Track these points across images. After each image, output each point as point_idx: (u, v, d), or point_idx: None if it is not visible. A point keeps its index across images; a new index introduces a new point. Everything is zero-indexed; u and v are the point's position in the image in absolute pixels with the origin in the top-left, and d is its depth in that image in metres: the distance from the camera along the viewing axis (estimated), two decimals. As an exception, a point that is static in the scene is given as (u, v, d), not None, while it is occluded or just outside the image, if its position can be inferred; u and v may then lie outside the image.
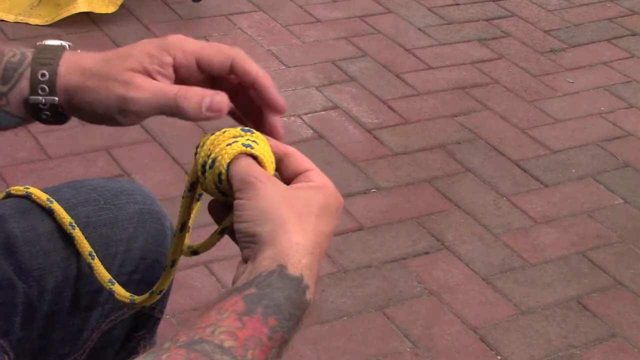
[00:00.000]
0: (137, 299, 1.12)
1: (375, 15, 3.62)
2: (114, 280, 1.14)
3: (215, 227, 0.98)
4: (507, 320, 2.29)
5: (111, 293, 1.15)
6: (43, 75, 0.98)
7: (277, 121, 1.00)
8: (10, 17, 3.30)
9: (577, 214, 2.68)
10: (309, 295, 0.85)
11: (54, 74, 0.98)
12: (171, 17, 3.44)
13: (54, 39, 1.05)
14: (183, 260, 2.50)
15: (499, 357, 2.19)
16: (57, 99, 0.98)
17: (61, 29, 3.24)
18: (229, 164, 0.91)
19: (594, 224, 2.65)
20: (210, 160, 0.92)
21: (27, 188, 1.18)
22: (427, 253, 2.48)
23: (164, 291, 1.10)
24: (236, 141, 0.91)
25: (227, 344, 0.78)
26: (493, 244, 2.53)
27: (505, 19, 3.70)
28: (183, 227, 1.01)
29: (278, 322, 0.82)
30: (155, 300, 1.12)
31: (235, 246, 0.90)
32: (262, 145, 0.93)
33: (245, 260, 0.87)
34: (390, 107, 3.07)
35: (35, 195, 1.17)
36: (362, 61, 3.31)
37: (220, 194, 0.93)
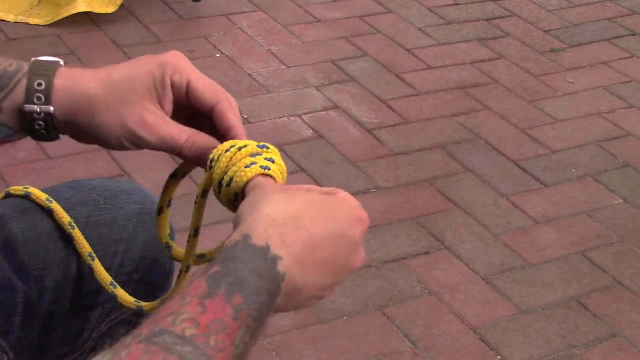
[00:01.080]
0: (146, 305, 1.12)
1: (375, 15, 3.62)
2: (115, 284, 1.14)
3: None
4: (507, 320, 2.29)
5: (112, 293, 1.15)
6: (39, 84, 0.98)
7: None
8: (10, 17, 3.30)
9: (577, 214, 2.68)
10: (282, 267, 0.81)
11: (50, 84, 0.98)
12: (171, 17, 3.45)
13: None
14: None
15: (499, 357, 2.19)
16: (52, 108, 0.98)
17: (61, 29, 3.24)
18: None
19: (594, 224, 2.65)
20: (228, 178, 0.93)
21: (27, 188, 1.18)
22: (427, 253, 2.48)
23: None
24: (254, 162, 0.93)
25: (189, 332, 0.75)
26: (493, 244, 2.53)
27: (505, 19, 3.70)
28: (197, 232, 1.02)
29: (244, 298, 0.78)
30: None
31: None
32: (277, 161, 0.95)
33: None
34: (390, 107, 3.07)
35: (34, 195, 1.17)
36: (362, 61, 3.31)
37: (233, 207, 0.95)
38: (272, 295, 0.81)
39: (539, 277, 2.44)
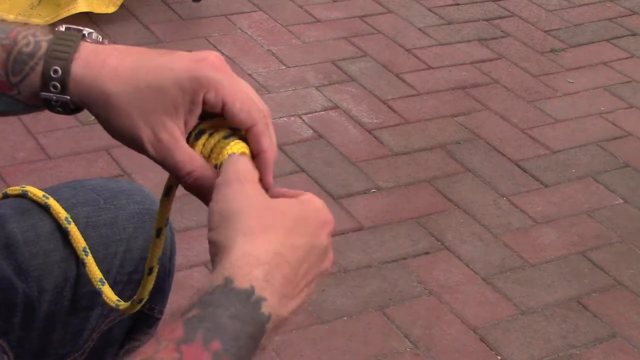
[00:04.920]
0: (122, 305, 1.11)
1: (375, 15, 3.62)
2: (104, 281, 1.14)
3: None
4: (507, 320, 2.29)
5: (98, 289, 1.15)
6: (55, 71, 0.92)
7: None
8: (10, 17, 3.30)
9: (577, 214, 2.68)
10: (266, 308, 0.79)
11: (66, 72, 0.91)
12: (171, 17, 3.44)
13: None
14: (183, 260, 2.49)
15: (499, 357, 2.19)
16: (68, 97, 0.93)
17: (61, 29, 3.23)
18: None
19: (594, 224, 2.65)
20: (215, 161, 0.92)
21: (23, 187, 1.18)
22: (427, 253, 2.48)
23: (145, 300, 1.08)
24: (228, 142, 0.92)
25: None
26: (493, 244, 2.53)
27: (505, 19, 3.70)
28: (159, 232, 1.00)
29: (223, 344, 0.75)
30: (137, 309, 1.10)
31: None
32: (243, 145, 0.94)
33: None
34: (390, 107, 3.07)
35: (31, 193, 1.17)
36: (362, 61, 3.31)
37: None
38: (254, 337, 0.78)
39: (539, 277, 2.44)
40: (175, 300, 2.43)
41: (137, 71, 0.91)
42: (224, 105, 0.92)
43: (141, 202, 1.24)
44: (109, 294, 1.13)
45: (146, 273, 1.04)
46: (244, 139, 0.93)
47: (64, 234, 1.16)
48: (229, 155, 0.90)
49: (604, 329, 2.30)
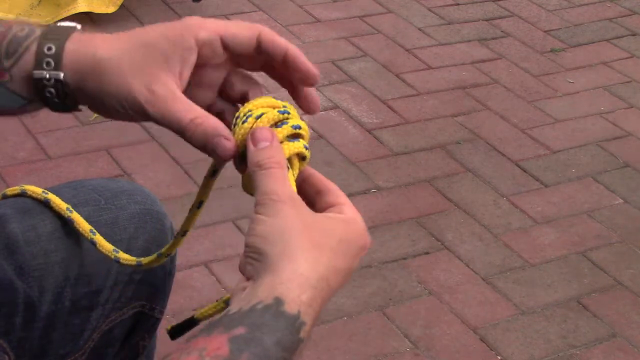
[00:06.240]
0: (144, 260, 1.11)
1: (375, 15, 3.62)
2: (117, 250, 1.14)
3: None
4: (507, 320, 2.29)
5: (111, 292, 1.15)
6: (49, 48, 0.92)
7: (312, 92, 0.99)
8: (11, 17, 3.30)
9: (577, 214, 2.68)
10: (303, 333, 0.79)
11: (60, 48, 0.91)
12: (171, 17, 3.44)
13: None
14: (183, 260, 2.49)
15: (499, 357, 2.19)
16: (62, 74, 0.92)
17: (61, 29, 3.24)
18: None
19: (594, 224, 2.65)
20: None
21: (22, 186, 1.18)
22: (427, 253, 2.48)
23: (172, 255, 1.08)
24: (297, 140, 0.93)
25: None
26: (493, 244, 2.53)
27: (505, 19, 3.70)
28: (201, 204, 1.00)
29: None
30: (162, 262, 1.10)
31: (236, 247, 0.89)
32: (303, 126, 0.96)
33: (247, 278, 0.82)
34: (390, 107, 3.08)
35: (30, 191, 1.17)
36: (362, 61, 3.32)
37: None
38: None
39: (539, 277, 2.44)
40: (175, 300, 2.43)
41: (126, 36, 0.93)
42: (221, 38, 0.91)
43: (142, 202, 1.24)
44: (126, 257, 1.13)
45: (180, 234, 1.04)
46: (297, 135, 0.93)
47: (66, 234, 1.16)
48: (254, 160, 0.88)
49: (604, 329, 2.30)
